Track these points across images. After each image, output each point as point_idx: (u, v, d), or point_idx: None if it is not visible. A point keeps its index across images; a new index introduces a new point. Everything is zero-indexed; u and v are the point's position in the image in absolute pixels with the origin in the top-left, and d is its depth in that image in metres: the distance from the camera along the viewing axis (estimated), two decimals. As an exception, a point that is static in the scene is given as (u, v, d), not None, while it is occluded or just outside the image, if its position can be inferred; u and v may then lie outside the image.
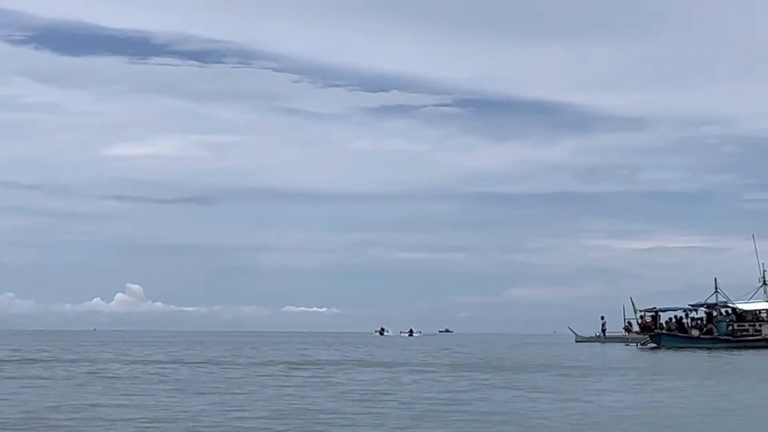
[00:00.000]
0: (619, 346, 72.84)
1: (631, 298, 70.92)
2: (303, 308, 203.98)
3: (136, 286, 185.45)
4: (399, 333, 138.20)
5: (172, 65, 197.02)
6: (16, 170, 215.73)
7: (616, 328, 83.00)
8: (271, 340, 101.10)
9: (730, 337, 65.73)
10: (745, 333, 66.37)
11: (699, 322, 68.59)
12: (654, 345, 67.61)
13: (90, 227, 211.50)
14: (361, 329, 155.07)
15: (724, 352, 58.65)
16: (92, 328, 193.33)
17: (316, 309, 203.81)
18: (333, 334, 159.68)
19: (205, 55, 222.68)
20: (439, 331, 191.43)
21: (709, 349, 62.29)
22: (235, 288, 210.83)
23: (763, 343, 64.21)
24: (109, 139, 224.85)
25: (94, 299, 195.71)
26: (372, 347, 72.53)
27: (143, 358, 46.45)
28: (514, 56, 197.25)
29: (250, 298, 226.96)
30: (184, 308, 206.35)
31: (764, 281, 69.19)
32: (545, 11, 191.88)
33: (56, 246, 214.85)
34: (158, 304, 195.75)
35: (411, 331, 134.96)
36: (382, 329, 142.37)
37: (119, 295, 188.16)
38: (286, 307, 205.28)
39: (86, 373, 33.31)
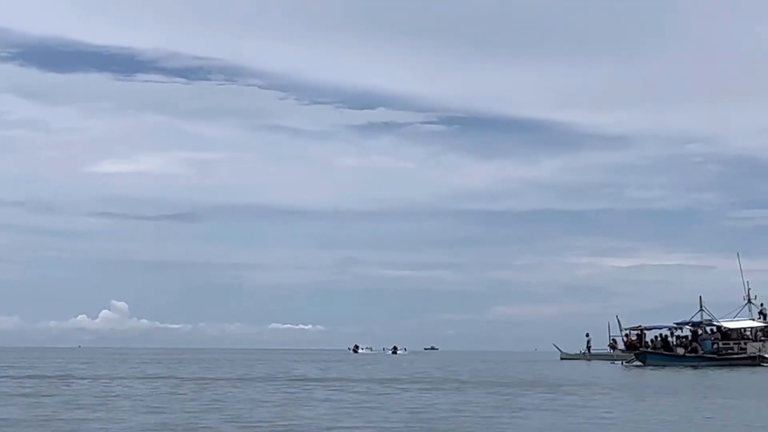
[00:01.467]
0: (604, 364, 72.68)
1: (617, 316, 70.99)
2: (289, 325, 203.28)
3: (121, 303, 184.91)
4: (382, 350, 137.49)
5: (157, 82, 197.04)
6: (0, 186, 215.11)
7: (601, 345, 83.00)
8: (226, 357, 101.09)
9: (715, 355, 65.60)
10: (730, 351, 66.26)
11: (684, 340, 68.50)
12: (639, 363, 67.45)
13: (75, 244, 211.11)
14: (346, 347, 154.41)
15: (709, 370, 58.51)
16: (77, 345, 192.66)
17: (301, 326, 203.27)
18: (311, 351, 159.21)
19: (190, 72, 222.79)
20: (425, 349, 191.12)
21: (694, 367, 62.16)
22: (220, 305, 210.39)
23: (748, 361, 64.12)
24: (94, 156, 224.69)
25: (79, 316, 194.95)
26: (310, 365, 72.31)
27: None
28: (500, 74, 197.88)
29: (235, 315, 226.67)
30: (170, 325, 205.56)
31: (749, 299, 69.14)
32: (530, 30, 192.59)
33: (41, 263, 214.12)
34: (143, 321, 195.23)
35: (395, 349, 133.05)
36: (356, 346, 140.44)
37: (104, 312, 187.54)
38: (272, 324, 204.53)
39: None
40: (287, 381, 42.49)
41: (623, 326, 70.13)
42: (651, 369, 61.12)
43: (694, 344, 67.05)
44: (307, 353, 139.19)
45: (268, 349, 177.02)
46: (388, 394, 32.43)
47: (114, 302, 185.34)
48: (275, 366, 67.30)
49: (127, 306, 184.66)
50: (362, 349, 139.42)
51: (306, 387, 37.16)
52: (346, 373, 54.22)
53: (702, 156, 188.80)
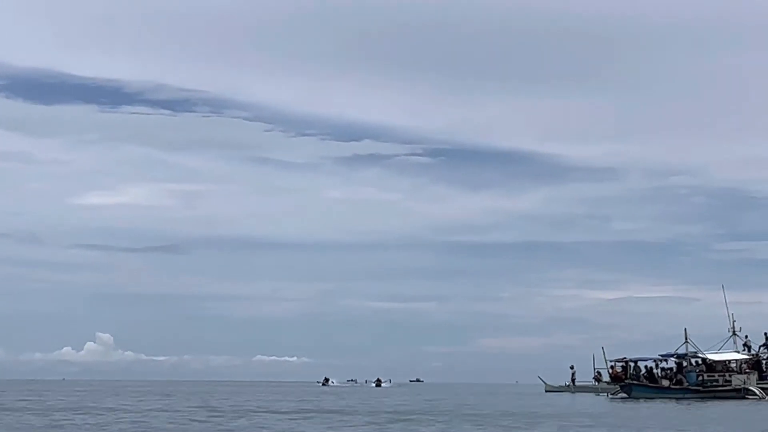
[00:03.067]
0: (590, 396, 72.56)
1: (602, 348, 70.94)
2: (274, 357, 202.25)
3: (107, 335, 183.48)
4: (365, 382, 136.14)
5: (143, 114, 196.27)
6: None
7: (586, 377, 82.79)
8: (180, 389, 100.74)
9: (700, 388, 65.53)
10: (715, 383, 66.16)
11: (669, 372, 68.43)
12: (624, 395, 67.37)
13: (60, 276, 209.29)
14: (346, 378, 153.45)
15: (694, 402, 58.44)
16: (61, 378, 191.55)
17: (287, 358, 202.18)
18: (287, 384, 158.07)
19: (176, 104, 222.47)
20: (410, 381, 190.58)
21: (679, 399, 62.09)
22: (205, 337, 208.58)
23: (733, 394, 64.06)
24: (80, 188, 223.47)
25: (64, 348, 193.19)
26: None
27: None
28: (485, 106, 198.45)
29: (221, 347, 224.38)
30: (155, 357, 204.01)
31: (734, 331, 69.19)
32: (516, 62, 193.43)
33: (26, 295, 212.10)
34: (128, 353, 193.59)
35: (379, 381, 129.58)
36: (326, 379, 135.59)
37: (89, 344, 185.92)
38: (257, 356, 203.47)
39: None
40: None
41: (608, 358, 70.20)
42: (636, 401, 61.01)
43: (679, 376, 66.99)
44: (280, 386, 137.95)
45: (252, 382, 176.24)
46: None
47: (99, 334, 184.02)
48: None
49: (112, 338, 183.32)
50: (333, 381, 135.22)
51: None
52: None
53: (687, 188, 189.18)
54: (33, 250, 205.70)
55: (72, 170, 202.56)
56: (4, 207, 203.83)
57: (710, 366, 67.44)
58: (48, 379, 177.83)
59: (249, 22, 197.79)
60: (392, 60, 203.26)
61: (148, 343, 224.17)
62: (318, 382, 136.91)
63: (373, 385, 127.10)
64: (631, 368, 69.27)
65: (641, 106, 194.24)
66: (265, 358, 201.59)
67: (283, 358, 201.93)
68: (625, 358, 70.13)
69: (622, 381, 68.67)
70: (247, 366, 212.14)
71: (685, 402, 58.40)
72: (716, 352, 68.34)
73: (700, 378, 66.52)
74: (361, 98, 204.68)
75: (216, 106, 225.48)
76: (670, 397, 63.37)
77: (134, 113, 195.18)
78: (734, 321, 69.64)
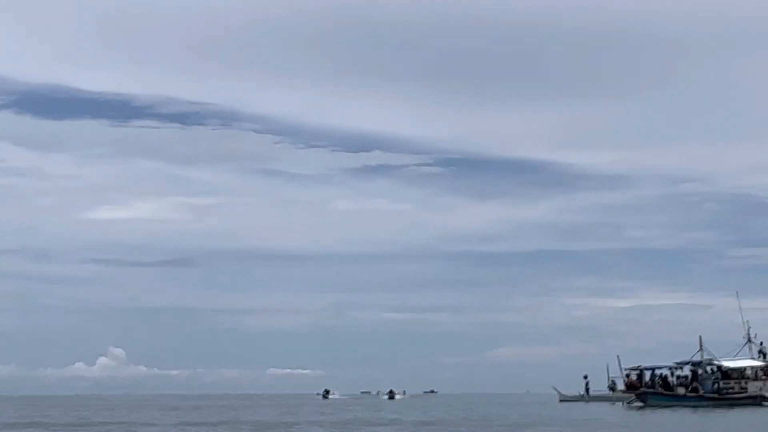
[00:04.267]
0: (605, 405, 72.10)
1: (617, 357, 70.56)
2: (288, 370, 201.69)
3: (119, 349, 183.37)
4: (377, 393, 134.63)
5: (153, 128, 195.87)
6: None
7: (599, 387, 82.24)
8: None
9: (716, 395, 65.14)
10: (731, 391, 65.79)
11: (684, 380, 68.06)
12: (640, 404, 66.99)
13: (71, 291, 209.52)
14: (346, 390, 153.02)
15: (710, 410, 58.08)
16: (74, 393, 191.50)
17: (300, 371, 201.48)
18: (291, 396, 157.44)
19: (186, 117, 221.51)
20: (425, 392, 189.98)
21: (695, 407, 61.72)
22: (218, 351, 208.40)
23: (749, 401, 63.68)
24: (90, 203, 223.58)
25: (76, 363, 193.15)
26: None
27: None
28: (496, 115, 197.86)
29: (233, 360, 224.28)
30: (168, 372, 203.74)
31: (749, 338, 68.73)
32: (526, 71, 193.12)
33: (37, 310, 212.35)
34: (141, 367, 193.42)
35: (392, 393, 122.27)
36: (327, 391, 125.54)
37: (102, 359, 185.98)
38: (270, 369, 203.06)
39: None
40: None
41: (623, 367, 69.73)
42: (652, 410, 60.65)
43: (695, 384, 66.59)
44: (271, 398, 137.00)
45: (262, 395, 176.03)
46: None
47: (111, 349, 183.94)
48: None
49: (124, 353, 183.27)
50: (335, 393, 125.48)
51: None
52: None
53: (699, 195, 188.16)
54: (44, 266, 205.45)
55: (82, 185, 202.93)
56: (14, 223, 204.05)
57: (726, 373, 67.00)
58: (60, 395, 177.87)
59: (258, 35, 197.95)
60: (402, 70, 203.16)
61: (161, 357, 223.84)
62: (318, 394, 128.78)
63: (386, 397, 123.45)
64: (647, 377, 68.91)
65: (652, 113, 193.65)
66: (278, 370, 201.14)
67: (296, 371, 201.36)
68: (640, 366, 69.77)
69: (638, 389, 68.27)
70: (260, 379, 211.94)
71: (702, 410, 58.06)
72: (732, 359, 67.92)
73: (716, 385, 66.14)
74: (371, 109, 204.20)
75: (225, 118, 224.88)
76: (686, 405, 62.98)
77: (144, 127, 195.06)
78: (749, 328, 69.19)
